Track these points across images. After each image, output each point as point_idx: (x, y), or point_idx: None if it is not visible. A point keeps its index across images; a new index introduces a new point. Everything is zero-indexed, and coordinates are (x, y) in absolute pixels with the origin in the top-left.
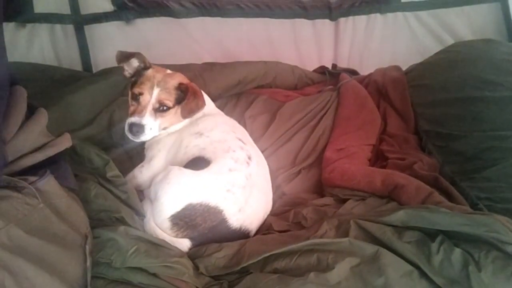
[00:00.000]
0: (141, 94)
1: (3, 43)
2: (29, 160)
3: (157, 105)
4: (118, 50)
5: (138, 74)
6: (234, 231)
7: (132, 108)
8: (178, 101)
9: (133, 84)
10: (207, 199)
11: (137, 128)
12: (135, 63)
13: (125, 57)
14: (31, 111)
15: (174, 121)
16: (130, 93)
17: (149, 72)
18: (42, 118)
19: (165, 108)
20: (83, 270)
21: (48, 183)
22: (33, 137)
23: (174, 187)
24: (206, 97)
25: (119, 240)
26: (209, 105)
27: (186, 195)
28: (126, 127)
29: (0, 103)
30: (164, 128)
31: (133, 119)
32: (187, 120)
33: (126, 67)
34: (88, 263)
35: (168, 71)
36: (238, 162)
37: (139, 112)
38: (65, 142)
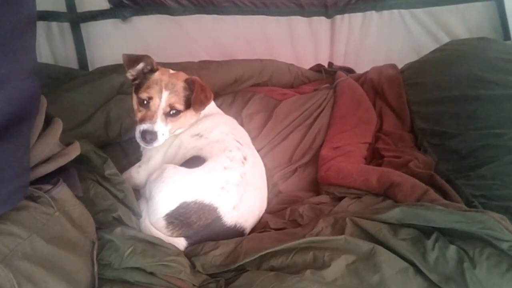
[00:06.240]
0: (150, 98)
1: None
2: (42, 170)
3: (167, 109)
4: (124, 54)
5: (143, 77)
6: (229, 228)
7: (140, 114)
8: (188, 104)
9: (138, 87)
10: (201, 196)
11: (151, 136)
12: (140, 65)
13: (134, 61)
14: (45, 120)
15: (183, 125)
16: (135, 97)
17: (156, 75)
18: (59, 129)
19: (174, 111)
20: (91, 276)
21: (62, 191)
22: (48, 148)
23: (168, 186)
24: None
25: (116, 241)
26: (210, 105)
27: (180, 193)
28: (138, 135)
29: (29, 123)
30: (173, 132)
31: (145, 126)
32: (192, 121)
33: (130, 70)
34: (95, 268)
35: (171, 71)
36: (234, 161)
37: (150, 118)
38: (75, 150)
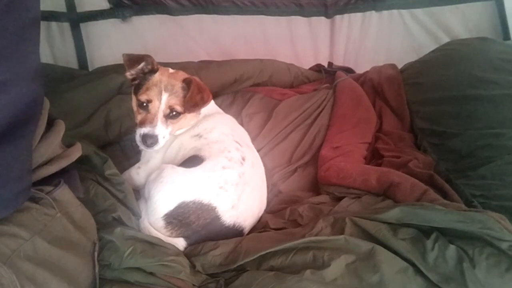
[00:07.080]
0: (149, 101)
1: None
2: (44, 172)
3: (167, 111)
4: (124, 54)
5: (143, 77)
6: (227, 228)
7: (140, 117)
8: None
9: (137, 88)
10: (200, 196)
11: (152, 140)
12: (140, 65)
13: (134, 61)
14: (47, 121)
15: (184, 126)
16: (135, 99)
17: (156, 76)
18: (61, 130)
19: (174, 113)
20: (92, 277)
21: (63, 192)
22: (51, 149)
23: (167, 186)
24: None
25: (116, 241)
26: (210, 105)
27: (179, 193)
28: (138, 138)
29: (32, 126)
30: (174, 133)
31: (145, 130)
32: (192, 123)
33: (130, 70)
34: (97, 269)
35: (171, 70)
36: (232, 161)
37: (150, 121)
38: (76, 152)
